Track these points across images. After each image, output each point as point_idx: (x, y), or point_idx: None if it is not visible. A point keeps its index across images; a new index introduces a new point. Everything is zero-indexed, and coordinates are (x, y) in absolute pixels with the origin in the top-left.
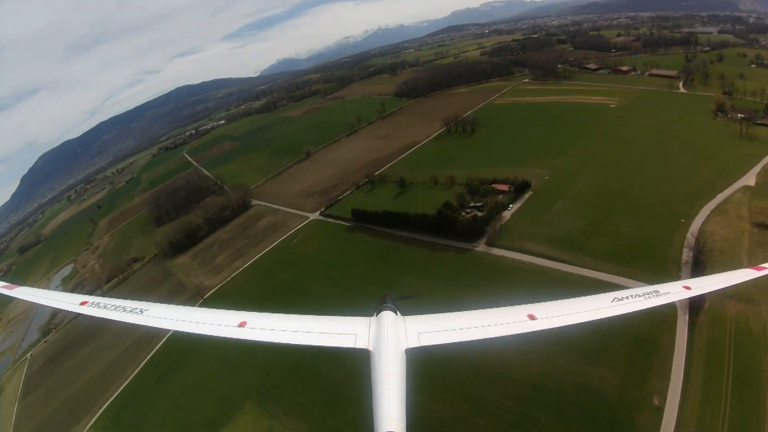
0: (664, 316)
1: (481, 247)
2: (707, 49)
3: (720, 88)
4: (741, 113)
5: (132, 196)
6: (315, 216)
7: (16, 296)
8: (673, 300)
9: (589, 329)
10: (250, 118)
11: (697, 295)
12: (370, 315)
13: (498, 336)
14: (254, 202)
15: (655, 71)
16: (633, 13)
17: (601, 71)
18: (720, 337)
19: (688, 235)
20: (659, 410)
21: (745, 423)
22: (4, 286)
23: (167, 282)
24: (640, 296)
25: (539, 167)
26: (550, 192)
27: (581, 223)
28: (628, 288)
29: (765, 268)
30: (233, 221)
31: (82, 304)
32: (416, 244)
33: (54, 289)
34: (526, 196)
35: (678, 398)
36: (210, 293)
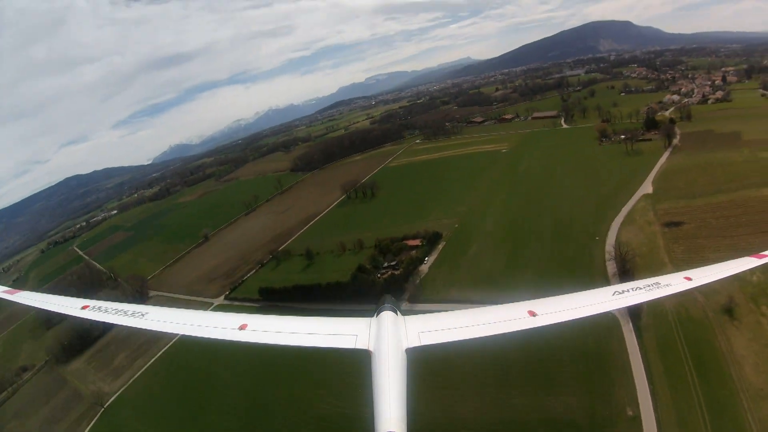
0: (606, 328)
1: (404, 305)
2: (579, 88)
3: (598, 117)
4: (623, 134)
5: None
6: (219, 301)
7: (17, 301)
8: (676, 291)
9: (534, 357)
10: (143, 206)
11: (698, 286)
12: (371, 316)
13: (499, 333)
14: (152, 293)
15: (537, 114)
16: (506, 70)
17: (487, 123)
18: (667, 332)
19: (607, 249)
20: (636, 419)
21: (719, 399)
22: (5, 291)
23: (61, 392)
24: (641, 289)
25: (447, 217)
26: (463, 237)
27: (501, 260)
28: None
29: (764, 255)
30: None
31: (84, 308)
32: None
33: None
34: (440, 246)
35: (650, 402)
36: (111, 400)
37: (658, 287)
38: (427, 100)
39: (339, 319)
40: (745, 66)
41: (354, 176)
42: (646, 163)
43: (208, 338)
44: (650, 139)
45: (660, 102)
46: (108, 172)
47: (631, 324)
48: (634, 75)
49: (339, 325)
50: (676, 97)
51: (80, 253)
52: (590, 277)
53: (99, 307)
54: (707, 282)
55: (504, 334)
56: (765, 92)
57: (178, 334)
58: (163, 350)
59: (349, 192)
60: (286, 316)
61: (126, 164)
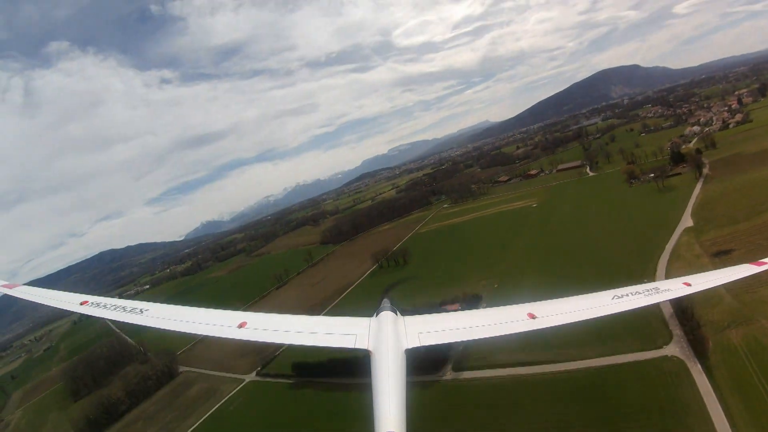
0: (674, 374)
1: (448, 374)
2: (598, 135)
3: (623, 161)
4: (651, 173)
5: (49, 366)
6: (251, 377)
7: (16, 295)
8: (674, 297)
9: (598, 414)
10: (175, 281)
11: (696, 292)
12: (371, 316)
13: (498, 335)
14: (181, 368)
15: (561, 167)
16: (524, 128)
17: (512, 181)
18: (740, 366)
19: None
20: None
21: None
22: (4, 285)
23: None
24: (640, 293)
25: (485, 278)
26: (504, 297)
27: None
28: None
29: (764, 263)
30: (159, 391)
31: (83, 303)
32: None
33: None
34: (481, 308)
35: None
36: None
37: (657, 292)
38: (450, 165)
39: (339, 318)
40: (756, 85)
41: (384, 245)
42: (680, 197)
43: (207, 336)
44: (680, 173)
45: (681, 136)
46: (141, 248)
47: (699, 365)
48: (650, 115)
49: (339, 324)
50: (696, 128)
51: (111, 326)
52: (647, 326)
53: (98, 303)
54: (705, 288)
55: (504, 336)
56: None
57: (211, 410)
58: (192, 428)
59: (380, 261)
60: (285, 315)
61: (159, 240)
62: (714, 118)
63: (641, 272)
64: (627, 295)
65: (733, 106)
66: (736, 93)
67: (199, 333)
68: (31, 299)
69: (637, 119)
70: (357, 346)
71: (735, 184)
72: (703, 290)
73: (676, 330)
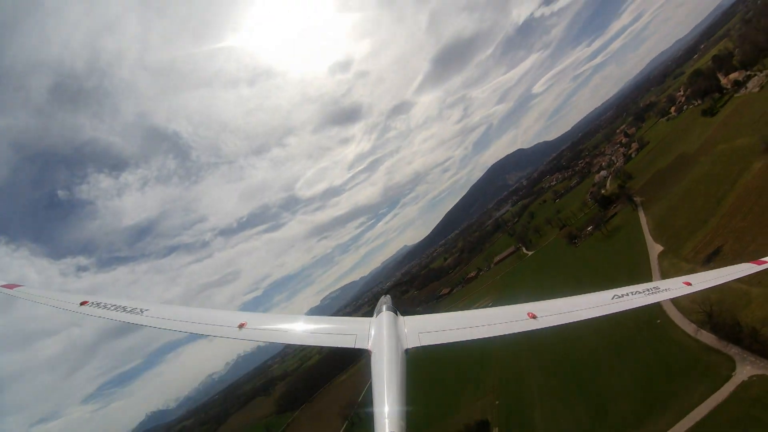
0: None
1: None
2: (516, 219)
3: (554, 228)
4: (588, 226)
5: None
6: None
7: (15, 296)
8: (675, 296)
9: None
10: None
11: (697, 291)
12: (370, 316)
13: (498, 335)
14: None
15: (498, 258)
16: (443, 240)
17: (455, 290)
18: None
19: (679, 324)
20: None
21: None
22: (3, 286)
23: None
24: (640, 293)
25: (479, 396)
26: (515, 409)
27: (578, 406)
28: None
29: (764, 261)
30: None
31: (82, 304)
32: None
33: None
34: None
35: None
36: None
37: (657, 291)
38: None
39: (339, 318)
40: (630, 117)
41: (348, 397)
42: (631, 232)
43: (207, 336)
44: (615, 213)
45: (594, 185)
46: None
47: None
48: (553, 183)
49: (338, 324)
50: (604, 173)
51: None
52: (695, 358)
53: (98, 303)
54: (706, 287)
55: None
56: (667, 116)
57: None
58: None
59: (350, 416)
60: (285, 315)
61: None
62: (614, 158)
63: (647, 318)
64: (627, 294)
65: (623, 141)
66: (618, 131)
67: (199, 333)
68: (29, 299)
69: (543, 191)
70: (357, 346)
71: (675, 194)
72: (704, 289)
73: (730, 350)
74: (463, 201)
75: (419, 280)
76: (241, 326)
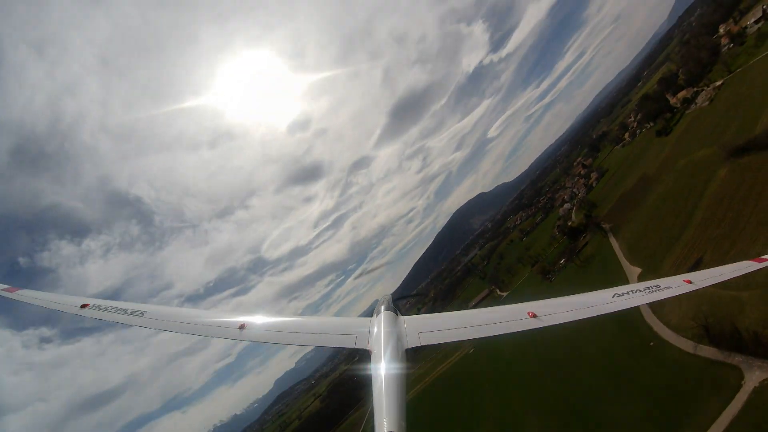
0: None
1: None
2: (486, 262)
3: (526, 266)
4: (560, 260)
5: None
6: None
7: (17, 299)
8: (675, 294)
9: None
10: None
11: (697, 289)
12: (370, 316)
13: (499, 334)
14: None
15: (472, 303)
16: (414, 291)
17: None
18: None
19: (674, 342)
20: None
21: None
22: (5, 289)
23: None
24: (640, 291)
25: None
26: None
27: None
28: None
29: (764, 259)
30: None
31: (83, 306)
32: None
33: None
34: None
35: None
36: None
37: (658, 289)
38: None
39: (339, 318)
40: (586, 150)
41: None
42: (605, 259)
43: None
44: (586, 243)
45: (559, 218)
46: None
47: None
48: (518, 222)
49: (339, 324)
50: (567, 206)
51: None
52: (703, 380)
53: (98, 306)
54: (707, 285)
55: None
56: (622, 142)
57: None
58: None
59: None
60: (285, 316)
61: None
62: (575, 189)
63: (640, 342)
64: (627, 293)
65: (582, 172)
66: (575, 163)
67: (200, 335)
68: (30, 302)
69: (509, 231)
70: (357, 346)
71: (643, 215)
72: (704, 287)
73: (734, 359)
74: (431, 250)
75: None
76: (241, 327)
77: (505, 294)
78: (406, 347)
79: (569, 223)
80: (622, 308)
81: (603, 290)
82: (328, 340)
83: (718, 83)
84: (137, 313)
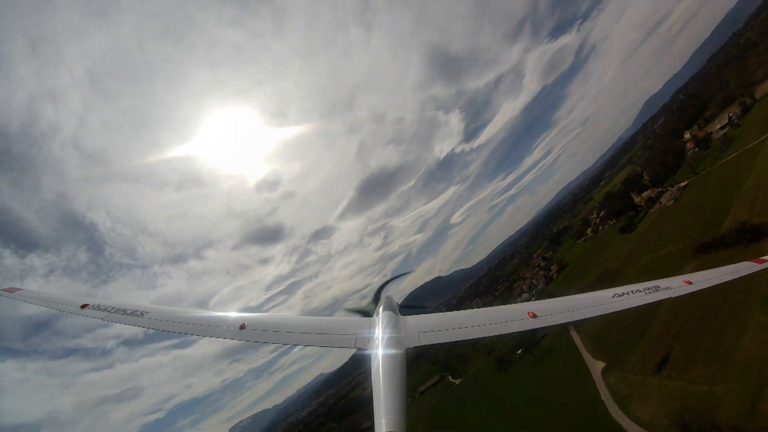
0: None
1: None
2: (438, 346)
3: (482, 354)
4: (518, 349)
5: None
6: None
7: (17, 299)
8: (675, 295)
9: None
10: None
11: (697, 290)
12: (370, 316)
13: (499, 334)
14: None
15: (422, 389)
16: (361, 369)
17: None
18: None
19: None
20: None
21: None
22: (5, 290)
23: None
24: (640, 291)
25: None
26: None
27: None
28: None
29: (764, 260)
30: None
31: (83, 306)
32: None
33: None
34: None
35: None
36: None
37: (657, 290)
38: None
39: (339, 319)
40: (546, 242)
41: None
42: (566, 352)
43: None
44: (545, 334)
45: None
46: None
47: None
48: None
49: (339, 325)
50: (526, 295)
51: None
52: None
53: (98, 306)
54: (706, 286)
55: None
56: (584, 237)
57: None
58: None
59: None
60: (285, 316)
61: None
62: (534, 280)
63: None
64: (627, 293)
65: (542, 264)
66: (535, 255)
67: (201, 335)
68: (30, 303)
69: None
70: (357, 347)
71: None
72: (705, 288)
73: None
74: None
75: (338, 410)
76: (241, 327)
77: (457, 381)
78: (406, 347)
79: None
80: (622, 308)
81: (603, 290)
82: (328, 340)
83: (683, 184)
84: (137, 313)
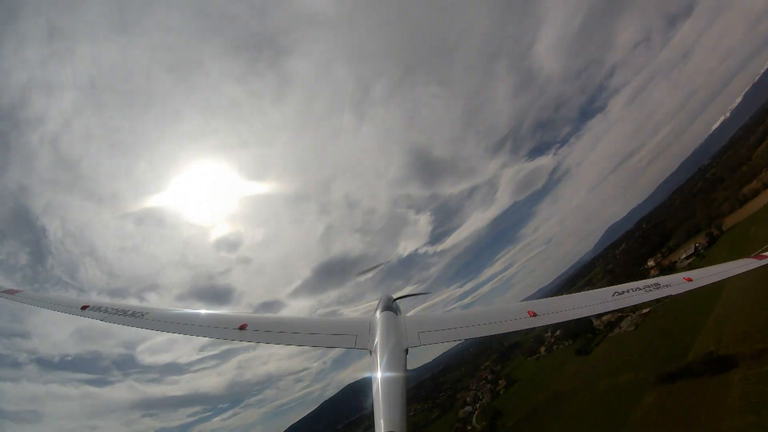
0: None
1: None
2: None
3: None
4: None
5: None
6: None
7: (17, 301)
8: (676, 292)
9: None
10: None
11: (698, 287)
12: (370, 316)
13: (499, 333)
14: None
15: None
16: None
17: None
18: None
19: None
20: None
21: None
22: (6, 291)
23: None
24: (640, 289)
25: None
26: None
27: None
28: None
29: (765, 256)
30: None
31: (83, 308)
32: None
33: None
34: None
35: None
36: None
37: (657, 288)
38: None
39: (339, 319)
40: (495, 355)
41: None
42: None
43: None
44: None
45: (458, 421)
46: None
47: None
48: (411, 413)
49: (339, 324)
50: (468, 408)
51: None
52: None
53: (99, 307)
54: (707, 283)
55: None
56: (536, 355)
57: None
58: None
59: None
60: (285, 316)
61: None
62: (479, 393)
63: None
64: (628, 291)
65: (489, 377)
66: (483, 367)
67: (201, 336)
68: (32, 304)
69: None
70: (357, 347)
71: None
72: (705, 285)
73: None
74: (312, 416)
75: None
76: (242, 327)
77: None
78: (406, 347)
79: (469, 428)
80: (622, 306)
81: (603, 288)
82: (328, 340)
83: (645, 310)
84: (138, 314)
